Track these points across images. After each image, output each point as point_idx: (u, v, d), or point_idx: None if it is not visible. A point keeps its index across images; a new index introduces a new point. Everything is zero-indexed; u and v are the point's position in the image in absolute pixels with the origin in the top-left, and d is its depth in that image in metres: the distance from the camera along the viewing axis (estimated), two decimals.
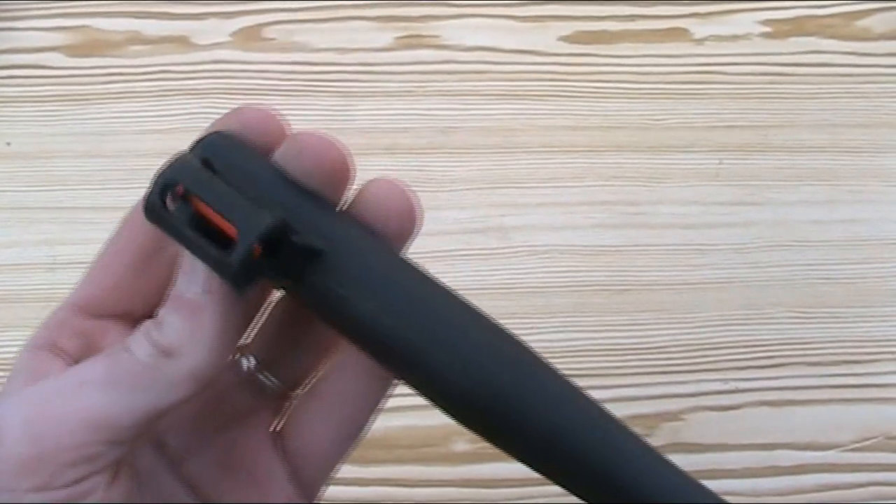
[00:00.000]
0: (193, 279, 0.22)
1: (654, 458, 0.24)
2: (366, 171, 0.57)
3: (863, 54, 0.59)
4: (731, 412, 0.51)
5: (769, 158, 0.56)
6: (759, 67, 0.58)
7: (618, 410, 0.50)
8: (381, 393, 0.27)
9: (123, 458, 0.23)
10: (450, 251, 0.53)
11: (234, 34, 0.58)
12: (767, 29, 0.59)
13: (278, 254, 0.22)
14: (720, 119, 0.57)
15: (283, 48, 0.58)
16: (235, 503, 0.25)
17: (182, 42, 0.57)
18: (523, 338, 0.51)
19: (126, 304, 0.25)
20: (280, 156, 0.23)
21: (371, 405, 0.27)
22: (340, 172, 0.23)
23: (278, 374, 0.27)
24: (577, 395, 0.24)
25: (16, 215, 0.53)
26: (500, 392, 0.22)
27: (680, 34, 0.59)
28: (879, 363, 0.52)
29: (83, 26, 0.57)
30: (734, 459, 0.50)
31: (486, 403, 0.22)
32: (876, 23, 0.60)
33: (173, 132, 0.55)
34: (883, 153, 0.57)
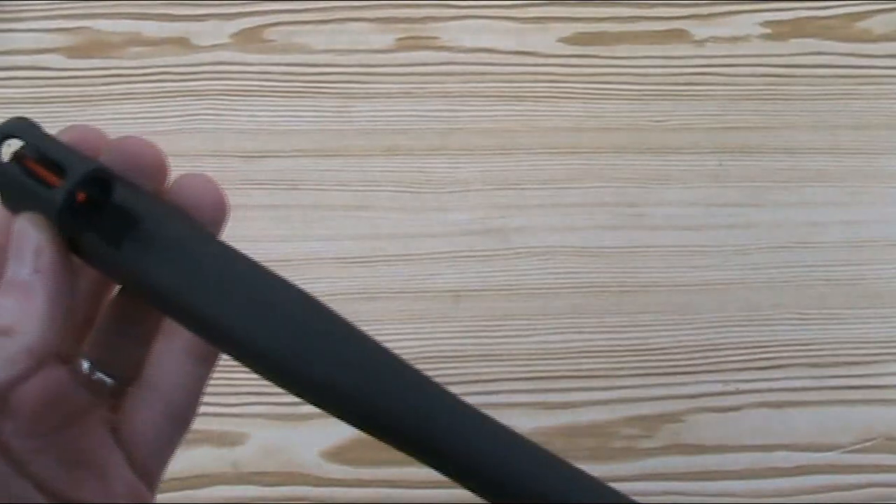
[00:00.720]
0: (22, 262, 0.24)
1: (445, 395, 0.25)
2: (366, 173, 0.57)
3: (863, 56, 0.59)
4: (732, 413, 0.51)
5: (769, 160, 0.56)
6: (759, 69, 0.58)
7: (618, 412, 0.50)
8: (202, 373, 0.28)
9: None
10: (450, 252, 0.53)
11: (234, 35, 0.58)
12: (767, 30, 0.59)
13: (100, 212, 0.24)
14: (720, 120, 0.57)
15: (284, 49, 0.58)
16: (80, 498, 0.27)
17: (182, 43, 0.57)
18: (522, 339, 0.51)
19: None
20: (102, 160, 0.25)
21: (194, 386, 0.28)
22: (156, 168, 0.26)
23: (113, 372, 0.28)
24: (370, 345, 0.25)
25: None
26: (290, 346, 0.24)
27: (680, 35, 0.59)
28: (880, 364, 0.52)
29: (83, 27, 0.58)
30: (734, 461, 0.50)
31: (279, 359, 0.24)
32: (876, 24, 0.60)
33: (173, 133, 0.55)
34: (883, 154, 0.57)
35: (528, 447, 0.25)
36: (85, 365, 0.28)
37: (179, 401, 0.28)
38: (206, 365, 0.28)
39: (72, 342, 0.28)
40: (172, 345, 0.28)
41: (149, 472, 0.28)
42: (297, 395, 0.25)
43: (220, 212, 0.26)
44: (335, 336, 0.25)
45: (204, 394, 0.28)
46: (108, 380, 0.28)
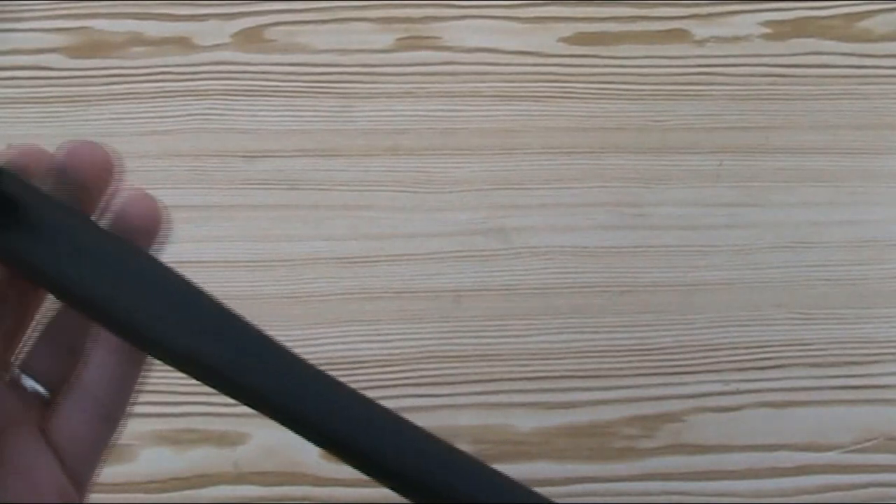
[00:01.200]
0: None
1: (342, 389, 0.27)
2: (367, 173, 0.57)
3: (863, 55, 0.59)
4: (732, 413, 0.51)
5: (770, 160, 0.56)
6: (759, 69, 0.58)
7: (619, 411, 0.50)
8: (131, 373, 0.29)
9: None
10: (451, 252, 0.53)
11: (235, 35, 0.58)
12: (768, 30, 0.59)
13: None
14: (721, 120, 0.57)
15: (284, 49, 0.58)
16: (7, 499, 0.27)
17: (183, 43, 0.57)
18: (522, 339, 0.51)
19: None
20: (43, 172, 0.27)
21: (123, 386, 0.29)
22: (95, 172, 0.27)
23: (43, 378, 0.29)
24: (267, 343, 0.27)
25: None
26: (159, 321, 0.26)
27: (681, 35, 0.59)
28: (880, 364, 0.52)
29: (84, 27, 0.58)
30: (735, 461, 0.50)
31: (186, 354, 0.26)
32: (877, 24, 0.60)
33: (174, 133, 0.55)
34: (884, 154, 0.57)
35: (403, 428, 0.27)
36: (15, 373, 0.28)
37: (109, 401, 0.29)
38: (134, 364, 0.29)
39: (2, 351, 0.28)
40: (100, 346, 0.28)
41: (79, 474, 0.29)
42: (178, 368, 0.26)
43: (153, 221, 0.28)
44: (200, 310, 0.26)
45: (136, 393, 0.29)
46: (39, 388, 0.28)
